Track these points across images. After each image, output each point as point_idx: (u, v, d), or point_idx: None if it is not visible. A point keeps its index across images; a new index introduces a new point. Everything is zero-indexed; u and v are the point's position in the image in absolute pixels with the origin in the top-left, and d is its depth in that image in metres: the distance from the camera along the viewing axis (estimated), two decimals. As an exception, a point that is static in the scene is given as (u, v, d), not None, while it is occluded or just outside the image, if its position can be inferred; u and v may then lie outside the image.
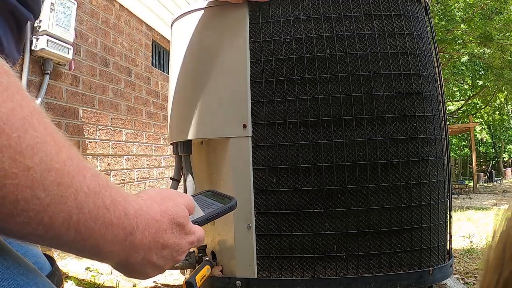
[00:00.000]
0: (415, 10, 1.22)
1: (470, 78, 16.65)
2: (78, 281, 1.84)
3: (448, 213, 1.25)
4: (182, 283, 1.26)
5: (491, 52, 11.75)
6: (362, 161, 1.12)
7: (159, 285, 1.89)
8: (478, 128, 22.82)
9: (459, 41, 11.94)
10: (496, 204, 7.59)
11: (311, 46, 1.17)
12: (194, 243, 0.44)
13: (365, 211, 1.12)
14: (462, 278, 2.10)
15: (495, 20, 11.53)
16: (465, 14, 11.75)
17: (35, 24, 2.21)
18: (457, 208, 6.20)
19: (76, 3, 2.45)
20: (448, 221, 1.25)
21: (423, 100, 1.16)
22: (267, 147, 1.16)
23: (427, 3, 1.31)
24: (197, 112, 1.24)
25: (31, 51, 2.19)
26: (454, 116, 18.59)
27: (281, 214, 1.14)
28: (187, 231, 0.42)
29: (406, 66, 1.16)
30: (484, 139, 27.82)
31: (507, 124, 24.21)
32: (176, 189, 1.33)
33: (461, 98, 19.35)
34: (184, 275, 1.53)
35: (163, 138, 3.93)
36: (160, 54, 4.20)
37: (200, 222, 0.46)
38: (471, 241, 2.90)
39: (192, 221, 0.44)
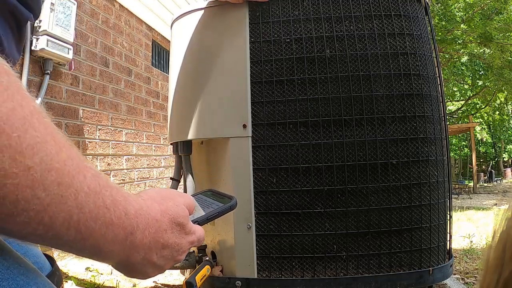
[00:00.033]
0: (415, 10, 1.22)
1: (470, 78, 16.65)
2: (78, 281, 1.84)
3: (448, 213, 1.25)
4: (182, 283, 1.26)
5: (491, 52, 11.75)
6: (362, 161, 1.12)
7: (159, 285, 1.89)
8: (478, 128, 22.82)
9: (459, 41, 11.94)
10: (496, 204, 7.58)
11: (311, 46, 1.17)
12: (195, 243, 0.44)
13: (365, 211, 1.12)
14: (462, 278, 2.10)
15: (495, 20, 11.53)
16: (465, 14, 11.75)
17: (35, 24, 2.21)
18: (457, 208, 6.19)
19: (76, 3, 2.45)
20: (448, 221, 1.25)
21: (423, 100, 1.16)
22: (267, 147, 1.16)
23: (427, 3, 1.31)
24: (197, 112, 1.24)
25: (31, 51, 2.19)
26: (454, 116, 18.58)
27: (281, 214, 1.14)
28: (187, 230, 0.42)
29: (406, 66, 1.16)
30: (484, 139, 27.82)
31: (507, 124, 24.21)
32: (176, 189, 1.33)
33: (461, 98, 19.36)
34: (184, 275, 1.53)
35: (163, 138, 3.93)
36: (160, 54, 4.20)
37: (200, 221, 0.46)
38: (471, 241, 2.90)
39: (192, 220, 0.44)
